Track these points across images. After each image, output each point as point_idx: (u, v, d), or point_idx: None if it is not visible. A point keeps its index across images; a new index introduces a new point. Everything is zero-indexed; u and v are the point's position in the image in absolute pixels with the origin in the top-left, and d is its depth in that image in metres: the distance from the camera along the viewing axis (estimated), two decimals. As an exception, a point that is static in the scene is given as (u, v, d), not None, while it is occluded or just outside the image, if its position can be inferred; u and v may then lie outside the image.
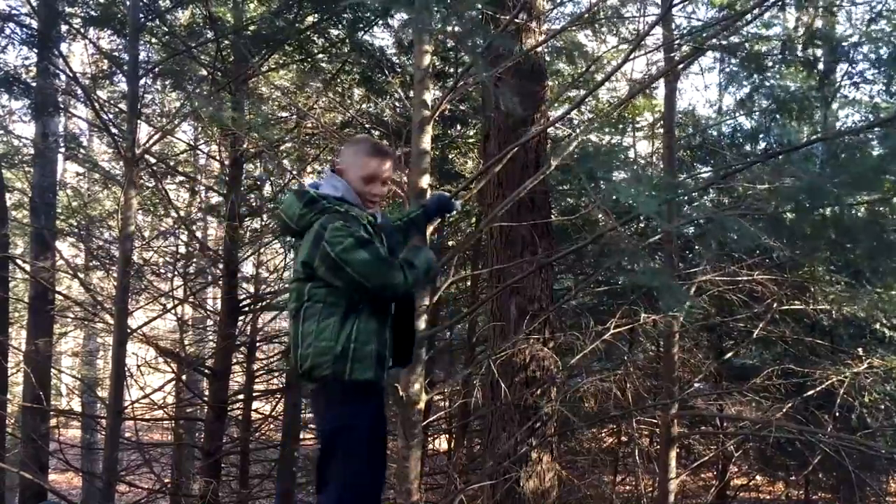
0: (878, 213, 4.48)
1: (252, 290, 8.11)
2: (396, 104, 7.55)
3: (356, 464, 2.32)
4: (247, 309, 7.65)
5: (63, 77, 6.85)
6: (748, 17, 4.69)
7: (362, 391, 2.34)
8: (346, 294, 2.32)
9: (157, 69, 6.63)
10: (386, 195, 2.57)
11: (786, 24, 6.55)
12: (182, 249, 8.79)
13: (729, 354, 7.00)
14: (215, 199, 8.58)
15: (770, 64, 5.53)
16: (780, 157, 4.26)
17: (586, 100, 8.59)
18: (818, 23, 5.78)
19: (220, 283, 7.68)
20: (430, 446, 9.38)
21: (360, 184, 2.46)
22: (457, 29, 3.07)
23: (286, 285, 2.60)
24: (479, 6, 3.19)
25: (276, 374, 9.20)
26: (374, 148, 2.52)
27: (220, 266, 7.67)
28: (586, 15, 5.91)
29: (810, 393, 6.01)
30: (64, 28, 6.69)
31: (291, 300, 2.42)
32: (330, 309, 2.33)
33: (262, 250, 8.25)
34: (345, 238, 2.27)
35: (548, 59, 6.81)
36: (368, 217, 2.43)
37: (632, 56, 4.43)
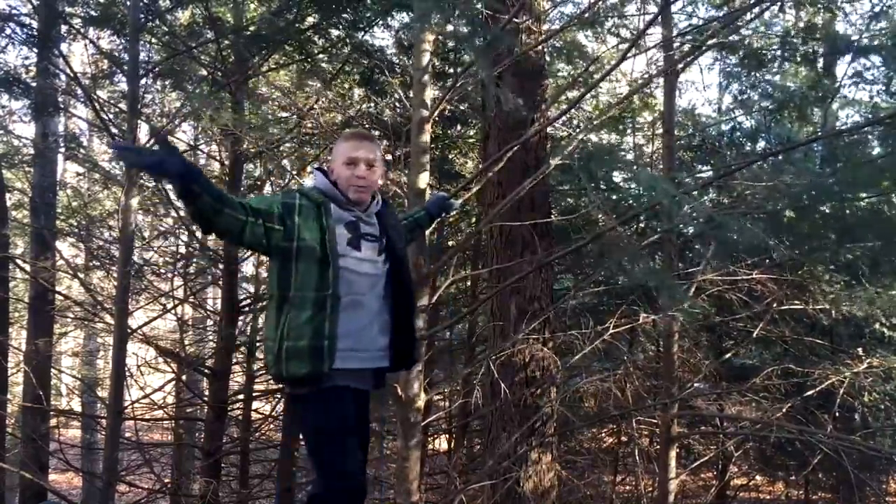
0: (879, 211, 4.48)
1: (252, 290, 8.12)
2: (396, 104, 7.55)
3: (318, 456, 2.32)
4: (247, 309, 7.66)
5: (63, 77, 6.85)
6: (748, 16, 4.69)
7: (302, 386, 2.31)
8: (278, 283, 2.29)
9: (157, 69, 6.63)
10: (374, 181, 2.46)
11: (786, 23, 6.55)
12: (182, 249, 8.79)
13: (729, 354, 7.00)
14: (215, 199, 8.56)
15: (770, 60, 5.53)
16: (780, 156, 4.26)
17: (587, 100, 8.60)
18: (818, 21, 5.78)
19: (220, 283, 7.68)
20: (430, 446, 9.38)
21: (343, 170, 2.41)
22: (460, 28, 3.07)
23: None
24: (480, 5, 3.19)
25: (276, 374, 9.18)
26: (348, 133, 2.54)
27: (220, 266, 7.68)
28: (586, 15, 5.90)
29: (810, 393, 6.01)
30: (64, 28, 6.68)
31: None
32: (270, 302, 2.34)
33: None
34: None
35: (548, 59, 6.81)
36: (319, 199, 2.36)
37: (630, 54, 4.43)
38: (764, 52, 5.60)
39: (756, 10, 4.59)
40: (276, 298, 2.30)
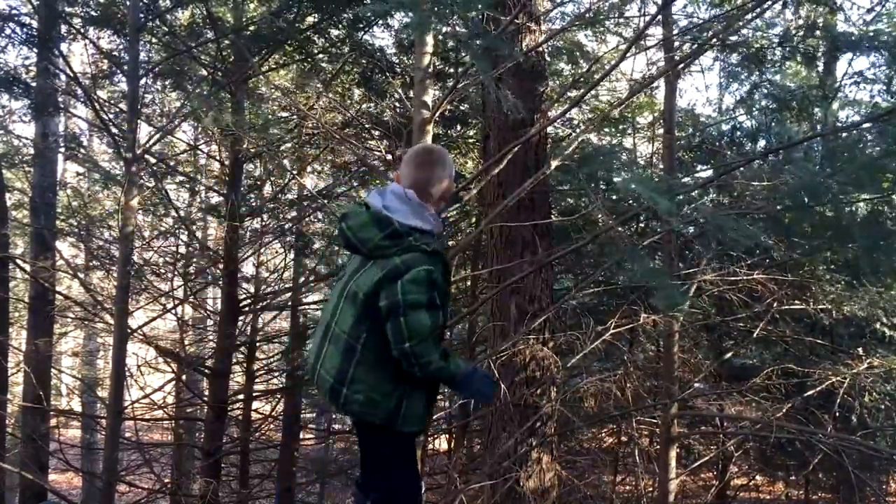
0: (877, 210, 4.48)
1: (252, 290, 8.12)
2: (397, 104, 7.55)
3: (403, 489, 2.45)
4: (247, 309, 7.66)
5: (63, 77, 6.85)
6: (749, 15, 4.69)
7: (408, 439, 2.41)
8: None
9: (157, 69, 6.63)
10: None
11: (787, 23, 6.55)
12: (182, 249, 8.79)
13: (729, 354, 7.00)
14: (215, 199, 8.59)
15: (770, 60, 5.53)
16: (780, 155, 4.26)
17: (587, 100, 8.59)
18: (819, 21, 5.78)
19: (220, 283, 7.68)
20: (430, 446, 9.38)
21: (440, 206, 2.37)
22: (459, 30, 3.08)
23: (333, 293, 2.40)
24: (481, 6, 3.19)
25: (276, 374, 9.20)
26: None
27: (220, 266, 7.68)
28: (588, 15, 5.90)
29: (810, 393, 6.01)
30: (64, 28, 6.68)
31: (343, 323, 2.25)
32: (387, 362, 2.21)
33: (262, 250, 8.25)
34: (422, 293, 2.13)
35: (548, 58, 6.81)
36: (445, 258, 2.29)
37: (630, 54, 4.44)
38: (764, 52, 5.60)
39: (757, 9, 4.59)
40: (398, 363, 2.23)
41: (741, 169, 4.49)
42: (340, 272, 2.45)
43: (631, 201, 7.16)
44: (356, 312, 2.22)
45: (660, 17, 5.24)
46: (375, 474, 2.49)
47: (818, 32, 5.09)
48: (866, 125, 4.18)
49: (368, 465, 2.54)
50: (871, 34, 5.43)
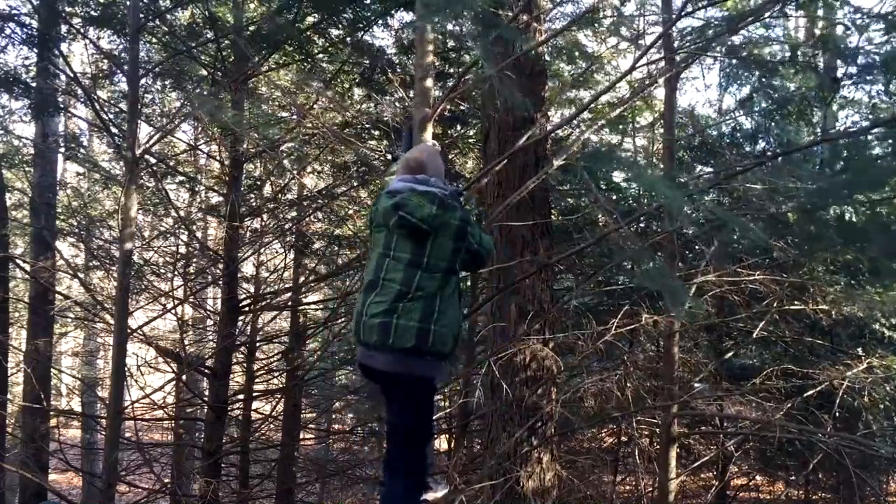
0: (880, 213, 4.47)
1: (252, 290, 8.11)
2: (397, 104, 7.54)
3: (430, 436, 2.90)
4: (247, 309, 7.65)
5: (63, 77, 6.84)
6: (749, 17, 4.69)
7: (442, 368, 2.72)
8: (458, 280, 2.68)
9: (157, 69, 6.62)
10: None
11: (786, 25, 6.55)
12: (182, 249, 8.79)
13: (729, 354, 7.00)
14: (215, 199, 8.59)
15: (772, 66, 5.54)
16: (781, 158, 4.26)
17: (585, 99, 8.59)
18: (818, 25, 5.78)
19: (220, 283, 7.68)
20: (430, 446, 9.36)
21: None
22: (467, 25, 3.08)
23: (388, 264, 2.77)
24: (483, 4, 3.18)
25: (276, 374, 9.19)
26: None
27: (220, 266, 7.67)
28: (589, 15, 5.90)
29: (810, 393, 6.01)
30: (64, 28, 6.67)
31: (426, 281, 2.58)
32: (455, 294, 2.65)
33: (262, 250, 8.25)
34: (477, 229, 2.70)
35: (547, 58, 6.80)
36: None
37: (630, 53, 4.44)
38: (767, 60, 5.60)
39: (758, 13, 4.59)
40: (454, 283, 2.65)
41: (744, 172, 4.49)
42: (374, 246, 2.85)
43: (631, 201, 7.16)
44: (443, 275, 2.62)
45: (660, 18, 5.24)
46: (419, 415, 2.74)
47: (819, 44, 5.09)
48: (874, 130, 4.18)
49: (415, 406, 2.73)
50: (868, 50, 5.43)
